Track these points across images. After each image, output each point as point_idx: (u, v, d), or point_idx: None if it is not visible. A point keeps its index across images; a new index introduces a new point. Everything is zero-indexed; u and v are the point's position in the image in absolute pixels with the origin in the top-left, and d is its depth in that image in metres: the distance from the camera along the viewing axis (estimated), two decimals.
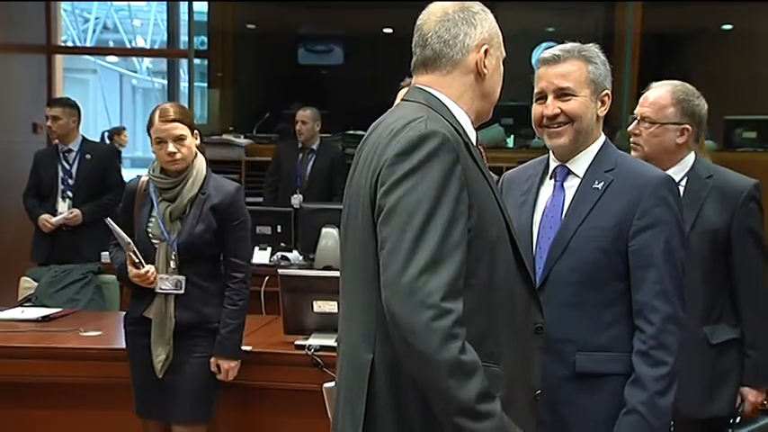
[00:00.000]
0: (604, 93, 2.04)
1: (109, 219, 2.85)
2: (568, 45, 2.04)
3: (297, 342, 3.19)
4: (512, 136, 6.73)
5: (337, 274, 3.48)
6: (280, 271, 3.35)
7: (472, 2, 1.69)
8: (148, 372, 2.89)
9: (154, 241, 2.90)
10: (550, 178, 2.08)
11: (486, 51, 1.66)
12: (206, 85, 8.30)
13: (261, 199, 6.64)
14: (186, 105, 8.04)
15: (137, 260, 2.81)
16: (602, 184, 1.98)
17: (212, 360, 2.93)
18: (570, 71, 2.00)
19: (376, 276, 1.53)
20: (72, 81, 10.69)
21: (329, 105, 8.06)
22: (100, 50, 13.08)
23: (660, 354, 1.88)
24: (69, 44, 10.75)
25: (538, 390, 1.73)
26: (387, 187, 1.51)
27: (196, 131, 2.92)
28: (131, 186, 2.99)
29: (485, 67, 1.66)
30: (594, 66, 2.02)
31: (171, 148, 2.83)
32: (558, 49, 2.03)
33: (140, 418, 3.00)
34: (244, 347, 3.21)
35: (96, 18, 12.90)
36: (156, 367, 2.88)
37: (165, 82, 10.74)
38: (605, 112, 2.05)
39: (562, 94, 2.00)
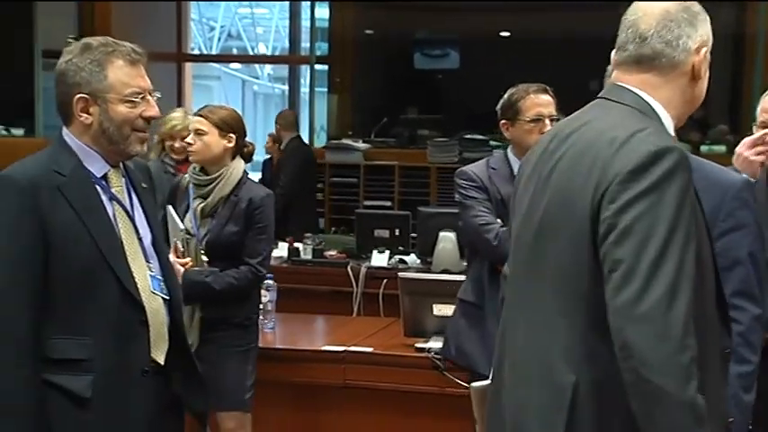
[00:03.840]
0: None
1: (170, 206, 2.96)
2: None
3: (417, 345, 3.21)
4: None
5: (456, 277, 3.51)
6: (400, 274, 3.40)
7: (692, 1, 1.64)
8: None
9: (186, 236, 2.99)
10: None
11: (704, 54, 1.61)
12: (326, 90, 8.48)
13: (380, 203, 6.74)
14: (307, 111, 8.30)
15: (182, 249, 2.88)
16: None
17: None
18: None
19: (586, 294, 1.49)
20: (199, 88, 11.12)
21: (444, 109, 8.08)
22: (226, 58, 13.56)
23: (747, 352, 1.90)
24: (196, 52, 11.20)
25: (731, 418, 1.68)
26: (620, 206, 1.45)
27: (231, 136, 2.98)
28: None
29: (701, 70, 1.61)
30: None
31: (189, 138, 3.02)
32: None
33: None
34: (365, 348, 3.27)
35: (222, 26, 13.39)
36: None
37: (285, 88, 11.02)
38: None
39: None
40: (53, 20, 6.91)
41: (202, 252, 2.96)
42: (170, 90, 7.87)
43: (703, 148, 6.46)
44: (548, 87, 2.87)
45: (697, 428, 1.40)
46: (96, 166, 1.95)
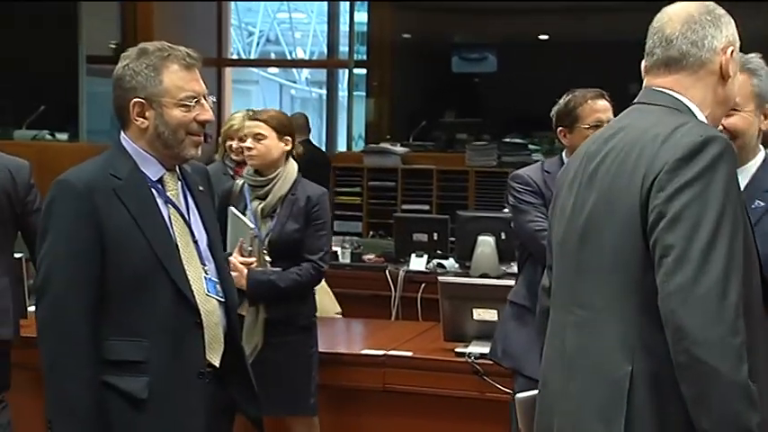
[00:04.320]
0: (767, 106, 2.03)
1: (232, 208, 2.99)
2: None
3: (457, 349, 3.21)
4: None
5: (497, 282, 3.49)
6: (440, 278, 3.39)
7: (714, 4, 1.68)
8: None
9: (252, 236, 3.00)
10: None
11: (731, 53, 1.64)
12: (364, 94, 8.51)
13: (418, 206, 6.75)
14: (345, 115, 8.33)
15: (250, 248, 2.93)
16: (763, 204, 1.93)
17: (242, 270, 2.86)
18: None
19: (637, 285, 1.50)
20: (237, 92, 11.22)
21: (482, 113, 8.07)
22: (265, 62, 13.64)
23: None
24: (235, 57, 11.31)
25: None
26: (669, 193, 1.48)
27: (288, 138, 3.05)
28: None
29: (729, 69, 1.64)
30: (759, 78, 2.00)
31: (248, 143, 3.03)
32: None
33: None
34: (404, 353, 3.28)
35: (260, 31, 13.50)
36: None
37: (323, 92, 11.07)
38: None
39: None
40: (96, 25, 7.03)
41: (265, 252, 2.99)
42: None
43: None
44: (604, 92, 2.82)
45: (751, 410, 1.41)
46: (152, 170, 1.98)
